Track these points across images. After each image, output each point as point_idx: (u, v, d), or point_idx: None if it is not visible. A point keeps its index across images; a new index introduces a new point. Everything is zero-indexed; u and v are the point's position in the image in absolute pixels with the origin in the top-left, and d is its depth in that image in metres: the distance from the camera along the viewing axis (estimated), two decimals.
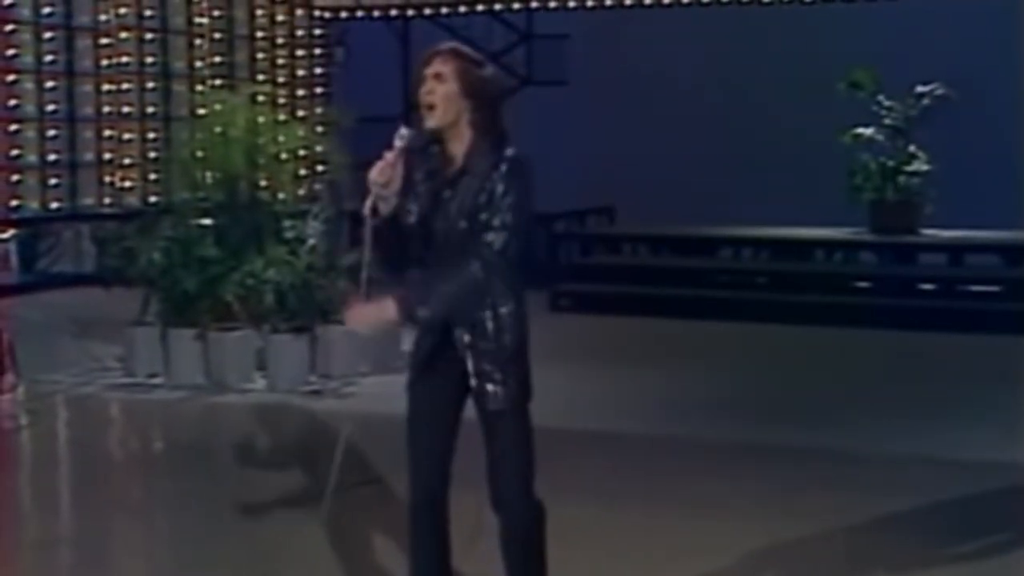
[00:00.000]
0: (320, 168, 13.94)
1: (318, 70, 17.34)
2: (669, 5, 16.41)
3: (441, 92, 4.18)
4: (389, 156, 4.15)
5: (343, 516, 6.50)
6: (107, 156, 14.78)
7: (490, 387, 4.24)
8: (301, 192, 13.13)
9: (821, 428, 8.47)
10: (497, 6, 17.02)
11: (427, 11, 17.16)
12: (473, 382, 4.25)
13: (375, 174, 4.15)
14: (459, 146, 4.22)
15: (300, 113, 16.16)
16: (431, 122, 4.19)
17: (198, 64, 15.56)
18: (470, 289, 4.17)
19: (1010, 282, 12.64)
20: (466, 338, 4.23)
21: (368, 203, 4.17)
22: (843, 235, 14.13)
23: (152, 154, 14.76)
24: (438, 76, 4.19)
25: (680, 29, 16.67)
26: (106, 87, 14.75)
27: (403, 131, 4.19)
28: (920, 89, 14.04)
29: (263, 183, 10.61)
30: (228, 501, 6.90)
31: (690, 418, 8.88)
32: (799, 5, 15.80)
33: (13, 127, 13.88)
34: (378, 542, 6.07)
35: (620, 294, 13.63)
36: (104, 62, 14.75)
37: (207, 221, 10.23)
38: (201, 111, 13.37)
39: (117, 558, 6.38)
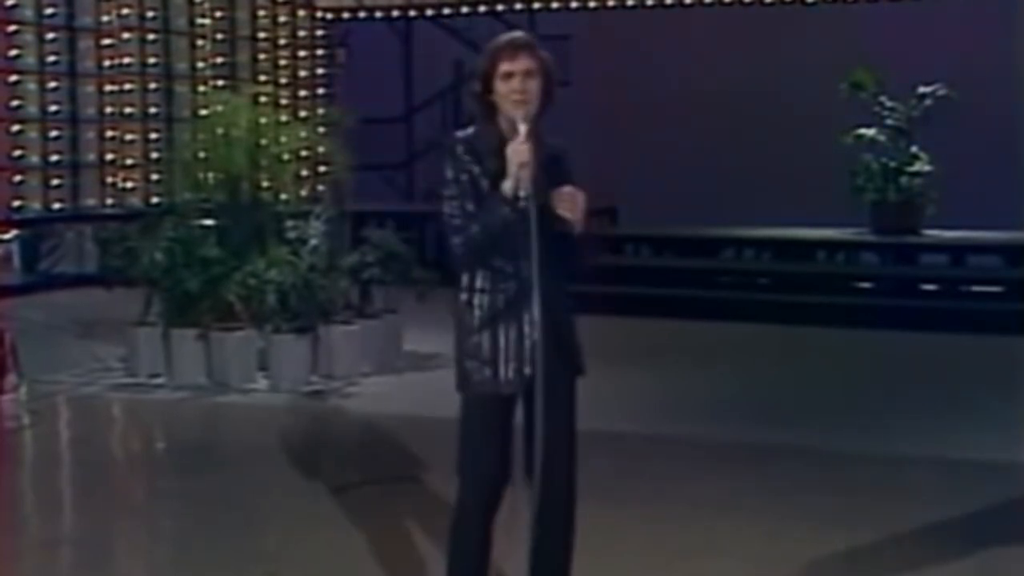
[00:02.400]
0: (322, 169, 13.98)
1: (320, 71, 17.38)
2: (671, 6, 16.44)
3: (533, 87, 4.30)
4: (523, 139, 4.22)
5: (345, 516, 6.50)
6: (109, 157, 14.84)
7: (574, 355, 4.58)
8: (303, 192, 13.15)
9: (822, 428, 8.47)
10: (499, 7, 17.05)
11: (429, 12, 17.19)
12: (560, 351, 4.46)
13: (525, 156, 4.20)
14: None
15: (302, 114, 16.20)
16: (524, 116, 4.26)
17: (200, 65, 15.61)
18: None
19: (1011, 283, 12.62)
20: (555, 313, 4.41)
21: (521, 186, 4.23)
22: (845, 236, 14.13)
23: (154, 155, 14.81)
24: (529, 73, 4.30)
25: (682, 30, 16.68)
26: (108, 88, 14.80)
27: (524, 113, 4.26)
28: (922, 90, 14.03)
29: (265, 184, 10.62)
30: (230, 501, 6.91)
31: (691, 418, 8.88)
32: (801, 5, 15.81)
33: (15, 128, 13.92)
34: (379, 542, 6.07)
35: (622, 295, 13.62)
36: (106, 63, 14.80)
37: (209, 221, 10.24)
38: (203, 112, 13.42)
39: (119, 558, 6.39)
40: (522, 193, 4.21)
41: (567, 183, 4.37)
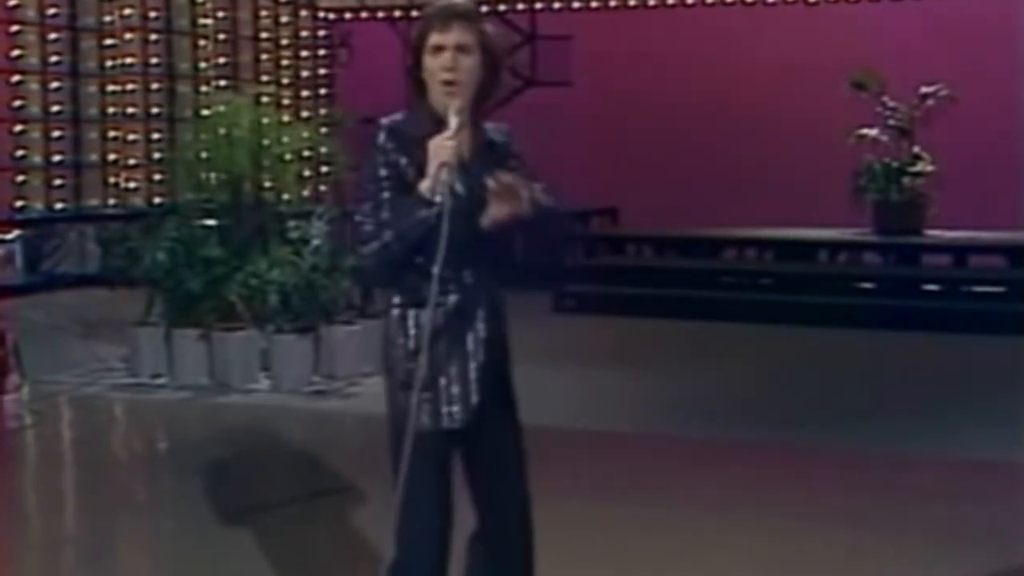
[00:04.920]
0: (324, 169, 13.97)
1: (322, 71, 17.40)
2: (673, 6, 16.44)
3: (466, 65, 3.65)
4: (451, 134, 3.59)
5: (346, 517, 6.50)
6: (112, 157, 14.85)
7: (507, 378, 3.83)
8: (305, 193, 13.14)
9: (824, 428, 8.47)
10: (501, 7, 17.05)
11: None
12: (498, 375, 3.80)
13: (447, 155, 3.57)
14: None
15: (304, 114, 16.23)
16: (457, 102, 3.62)
17: (203, 65, 15.62)
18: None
19: (1014, 283, 12.62)
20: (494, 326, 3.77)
21: (437, 189, 3.58)
22: (847, 236, 14.13)
23: (156, 155, 14.83)
24: (462, 48, 3.64)
25: (685, 30, 16.68)
26: (111, 88, 14.81)
27: (458, 105, 3.64)
28: (924, 90, 14.03)
29: (267, 184, 10.62)
30: (232, 502, 6.91)
31: (694, 418, 8.88)
32: (803, 6, 15.82)
33: (18, 128, 13.93)
34: (379, 543, 6.07)
35: (624, 295, 13.62)
36: (109, 63, 14.81)
37: (211, 222, 10.24)
38: (205, 112, 13.42)
39: (120, 558, 6.39)
40: (438, 198, 3.56)
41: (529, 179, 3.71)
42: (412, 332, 3.69)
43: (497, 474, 3.83)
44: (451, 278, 3.63)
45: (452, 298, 3.67)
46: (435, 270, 3.52)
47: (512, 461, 3.85)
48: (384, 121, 3.71)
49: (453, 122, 3.60)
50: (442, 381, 3.67)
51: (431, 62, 3.65)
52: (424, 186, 3.59)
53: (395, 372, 3.74)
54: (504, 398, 3.82)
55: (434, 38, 3.65)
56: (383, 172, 3.66)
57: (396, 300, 3.73)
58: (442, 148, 3.56)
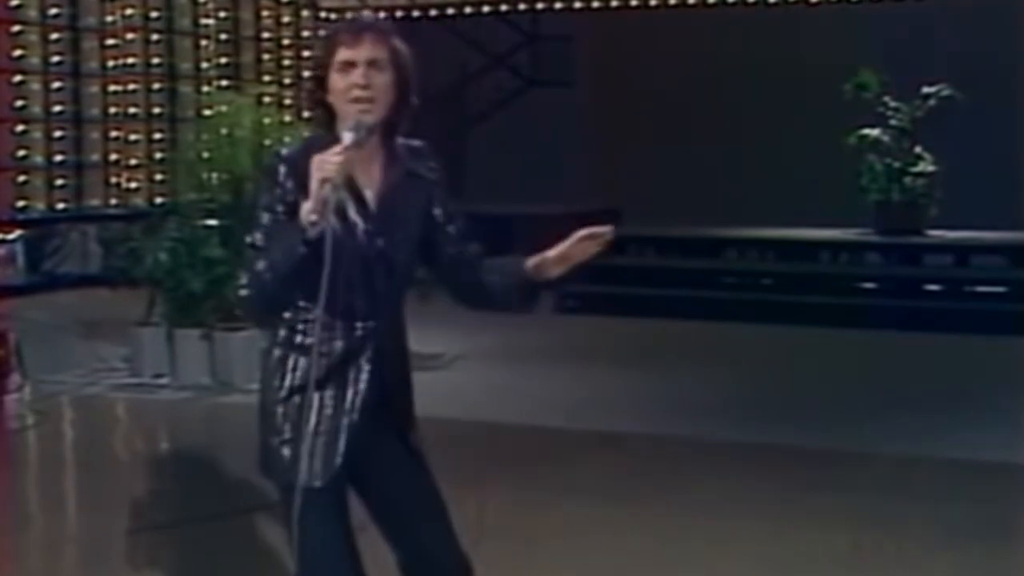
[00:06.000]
0: None
1: None
2: (675, 6, 16.44)
3: (380, 83, 3.37)
4: (341, 149, 3.28)
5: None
6: (113, 157, 14.88)
7: (406, 421, 3.59)
8: None
9: (825, 429, 8.47)
10: (503, 7, 17.06)
11: (433, 12, 17.19)
12: (395, 417, 3.55)
13: (330, 171, 3.23)
14: (367, 146, 3.39)
15: (306, 114, 16.21)
16: (369, 118, 3.35)
17: (204, 65, 15.64)
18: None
19: (1015, 283, 12.61)
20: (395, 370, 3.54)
21: (329, 206, 3.25)
22: (849, 236, 14.12)
23: (158, 155, 14.86)
24: (375, 63, 3.37)
25: (686, 30, 16.69)
26: (112, 88, 14.83)
27: (354, 123, 3.34)
28: (926, 90, 14.02)
29: None
30: (233, 502, 6.91)
31: (695, 419, 8.88)
32: (805, 6, 15.82)
33: (19, 128, 13.95)
34: (379, 544, 6.07)
35: (626, 295, 13.62)
36: (110, 63, 14.83)
37: (213, 222, 10.25)
38: (207, 112, 13.43)
39: (121, 558, 6.39)
40: (313, 217, 3.21)
41: (427, 210, 3.50)
42: (288, 377, 3.41)
43: (409, 525, 3.67)
44: (339, 322, 3.37)
45: (338, 345, 3.39)
46: (318, 309, 3.23)
47: (428, 513, 3.64)
48: (283, 152, 3.45)
49: (347, 137, 3.30)
50: (308, 435, 3.36)
51: (339, 81, 3.38)
52: (305, 208, 3.25)
53: (264, 415, 3.46)
54: (405, 449, 3.57)
55: (343, 53, 3.38)
56: (280, 207, 3.36)
57: (278, 339, 3.45)
58: (326, 163, 3.23)
